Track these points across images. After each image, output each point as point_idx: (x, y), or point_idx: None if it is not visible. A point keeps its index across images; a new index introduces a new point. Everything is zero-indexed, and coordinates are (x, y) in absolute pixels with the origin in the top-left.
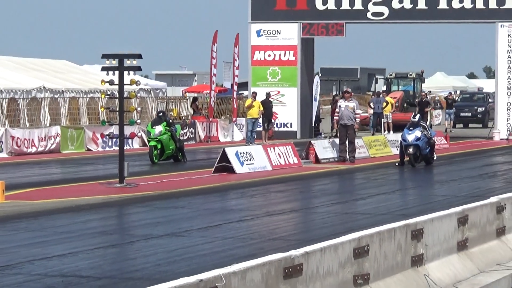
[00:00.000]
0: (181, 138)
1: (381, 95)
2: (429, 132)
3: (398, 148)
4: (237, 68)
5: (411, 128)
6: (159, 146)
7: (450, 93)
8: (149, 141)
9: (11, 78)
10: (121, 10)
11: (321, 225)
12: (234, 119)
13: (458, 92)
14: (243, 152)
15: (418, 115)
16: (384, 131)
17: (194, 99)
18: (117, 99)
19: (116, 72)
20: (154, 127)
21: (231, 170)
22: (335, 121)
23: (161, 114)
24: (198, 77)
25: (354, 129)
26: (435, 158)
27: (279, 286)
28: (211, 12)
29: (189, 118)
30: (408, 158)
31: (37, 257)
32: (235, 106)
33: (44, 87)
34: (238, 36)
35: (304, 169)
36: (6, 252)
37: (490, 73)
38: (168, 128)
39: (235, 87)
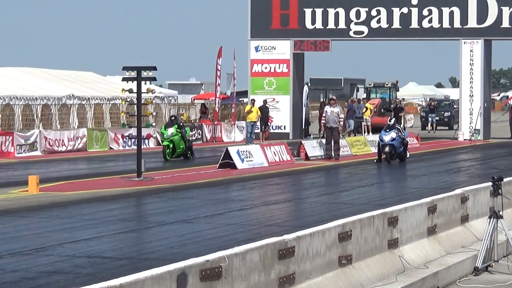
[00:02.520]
0: (190, 138)
1: (361, 102)
2: (403, 134)
3: (376, 147)
4: (234, 79)
5: (387, 130)
6: (171, 146)
7: (432, 100)
8: (162, 141)
9: (44, 87)
10: (140, 28)
11: (310, 213)
12: (232, 122)
13: (428, 99)
14: (244, 151)
15: (394, 119)
16: (364, 132)
17: (203, 105)
18: (135, 105)
19: (135, 82)
20: (167, 129)
21: (233, 166)
22: (322, 124)
23: (173, 118)
24: (205, 86)
25: (338, 131)
26: (407, 156)
27: (274, 266)
28: (217, 31)
29: (197, 121)
30: (384, 156)
31: (67, 240)
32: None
33: (73, 95)
34: (235, 52)
35: (295, 165)
36: (40, 236)
37: (455, 83)
38: (179, 130)
39: (234, 95)
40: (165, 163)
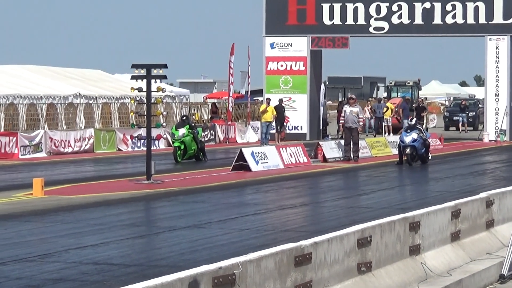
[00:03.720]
0: (202, 139)
1: (382, 101)
2: (425, 134)
3: (397, 149)
4: (249, 77)
5: (409, 130)
6: (182, 147)
7: (463, 99)
8: (173, 142)
9: (50, 85)
10: (149, 24)
11: (328, 218)
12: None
13: (451, 98)
14: (258, 152)
15: (415, 119)
16: (385, 133)
17: (214, 105)
18: (145, 105)
19: (144, 80)
20: (178, 129)
21: (247, 168)
22: (340, 124)
23: (184, 118)
24: (217, 85)
25: (358, 131)
26: (429, 157)
27: (291, 273)
28: (231, 27)
29: (209, 121)
30: (405, 158)
31: (73, 246)
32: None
33: (79, 93)
34: (249, 49)
35: (313, 167)
36: (45, 242)
37: (480, 81)
38: (190, 131)
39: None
40: (176, 165)
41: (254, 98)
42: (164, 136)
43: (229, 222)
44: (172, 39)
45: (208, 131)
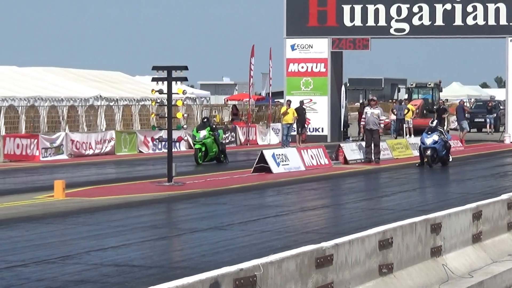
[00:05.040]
0: (223, 141)
1: (403, 103)
2: (446, 136)
3: (418, 150)
4: (270, 78)
5: (429, 132)
6: (203, 149)
7: (490, 100)
8: (194, 144)
9: (71, 87)
10: (170, 26)
11: (350, 220)
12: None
13: (472, 100)
14: (279, 154)
15: (436, 120)
16: (406, 135)
17: (234, 107)
18: (166, 107)
19: (165, 82)
20: (199, 131)
21: (268, 170)
22: (361, 126)
23: (205, 120)
24: (238, 87)
25: (379, 133)
26: (450, 160)
27: (312, 275)
28: (251, 29)
29: (230, 123)
30: (426, 160)
31: (94, 248)
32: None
33: (100, 96)
34: (271, 51)
35: (334, 169)
36: (66, 244)
37: (501, 83)
38: (211, 133)
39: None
40: (197, 167)
41: (275, 100)
42: (185, 138)
43: (250, 224)
44: (193, 41)
45: (229, 133)
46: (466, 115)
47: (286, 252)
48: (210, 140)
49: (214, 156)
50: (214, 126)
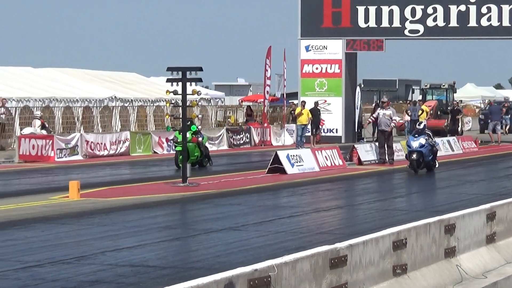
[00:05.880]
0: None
1: (417, 104)
2: (433, 140)
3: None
4: (284, 80)
5: (416, 135)
6: None
7: (505, 101)
8: (175, 147)
9: (86, 88)
10: (185, 27)
11: (364, 220)
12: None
13: (486, 101)
14: (294, 155)
15: (424, 122)
16: None
17: (249, 108)
18: (180, 107)
19: (180, 83)
20: (180, 133)
21: (282, 171)
22: (368, 121)
23: (189, 123)
24: (253, 88)
25: (391, 134)
26: (436, 166)
27: (326, 275)
28: (266, 30)
29: (244, 124)
30: (411, 164)
31: (109, 248)
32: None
33: (115, 96)
34: (285, 52)
35: (348, 170)
36: (81, 244)
37: None
38: (195, 136)
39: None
40: (211, 168)
41: (290, 101)
42: (200, 138)
43: (265, 224)
44: (207, 42)
45: (243, 134)
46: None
47: (301, 252)
48: (192, 144)
49: (195, 160)
50: (197, 129)
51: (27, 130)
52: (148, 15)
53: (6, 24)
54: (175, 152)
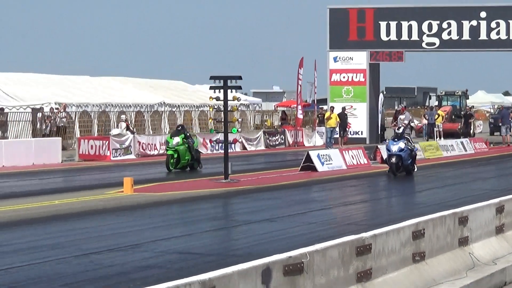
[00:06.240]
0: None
1: (433, 109)
2: (412, 145)
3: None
4: (315, 87)
5: (396, 139)
6: (175, 156)
7: None
8: (167, 150)
9: (137, 95)
10: (226, 40)
11: (386, 213)
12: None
13: (496, 106)
14: (324, 154)
15: (402, 127)
16: (436, 138)
17: (283, 112)
18: (222, 112)
19: (222, 90)
20: (172, 138)
21: (314, 169)
22: (392, 126)
23: (180, 127)
24: (287, 94)
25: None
26: (415, 169)
27: (353, 262)
28: (298, 42)
29: (279, 127)
30: (390, 167)
31: (159, 238)
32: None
33: (164, 102)
34: (316, 62)
35: (372, 168)
36: (134, 234)
37: None
38: (185, 140)
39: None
40: (250, 166)
41: (320, 107)
42: (240, 140)
43: (298, 216)
44: (246, 53)
45: (278, 135)
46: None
47: (330, 241)
48: (183, 147)
49: (186, 164)
50: (188, 134)
51: (115, 131)
52: (192, 28)
53: (68, 36)
54: (166, 155)
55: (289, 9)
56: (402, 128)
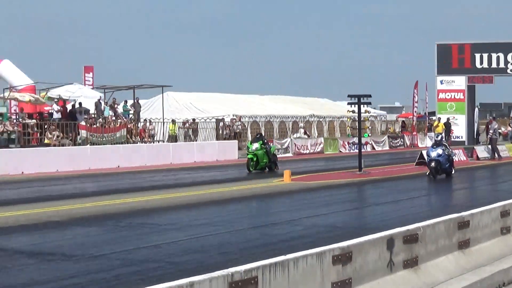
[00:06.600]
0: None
1: None
2: (450, 150)
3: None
4: (426, 103)
5: (435, 146)
6: (254, 159)
7: None
8: (247, 154)
9: (293, 109)
10: (361, 66)
11: (480, 197)
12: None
13: None
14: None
15: (441, 135)
16: None
17: (403, 122)
18: (357, 122)
19: (356, 105)
20: (252, 143)
21: (425, 164)
22: (489, 137)
23: (258, 135)
24: (405, 108)
25: (494, 140)
26: (453, 172)
27: (455, 234)
28: (413, 69)
29: (399, 133)
30: (430, 170)
31: (309, 215)
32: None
33: (313, 114)
34: (426, 85)
35: (470, 163)
36: (292, 212)
37: None
38: (263, 146)
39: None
40: (378, 161)
41: (430, 117)
42: (370, 142)
43: (414, 199)
44: (375, 76)
45: (399, 139)
46: None
47: (438, 218)
48: (261, 152)
49: (264, 166)
50: (266, 141)
51: (296, 135)
52: (332, 57)
53: (242, 64)
54: (247, 158)
55: (408, 43)
56: (440, 136)
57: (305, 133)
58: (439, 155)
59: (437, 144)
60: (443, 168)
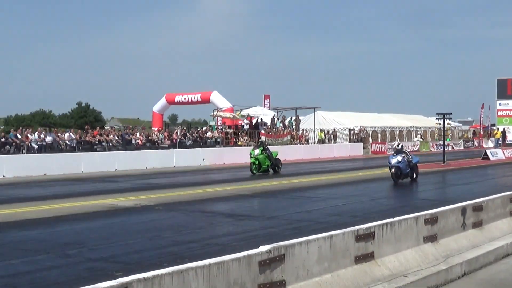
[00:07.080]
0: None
1: None
2: (410, 157)
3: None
4: (489, 119)
5: (395, 154)
6: (257, 163)
7: None
8: (251, 159)
9: (397, 121)
10: (448, 88)
11: (505, 185)
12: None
13: None
14: (493, 151)
15: (401, 144)
16: None
17: (473, 131)
18: (442, 130)
19: (441, 120)
20: (254, 150)
21: (488, 158)
22: None
23: (259, 142)
24: (474, 122)
25: None
26: (415, 176)
27: (508, 205)
28: (479, 95)
29: (471, 138)
30: (391, 175)
31: (409, 194)
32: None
33: (413, 125)
34: (489, 106)
35: None
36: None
37: None
38: (263, 151)
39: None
40: (455, 156)
41: (492, 128)
42: (451, 144)
43: (482, 182)
44: (456, 99)
45: (470, 142)
46: None
47: (496, 195)
48: (262, 156)
49: (267, 168)
50: (266, 147)
51: (415, 139)
52: (428, 78)
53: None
54: (250, 163)
55: (476, 77)
56: (400, 145)
57: (421, 137)
58: (398, 162)
59: (397, 152)
60: (404, 173)
